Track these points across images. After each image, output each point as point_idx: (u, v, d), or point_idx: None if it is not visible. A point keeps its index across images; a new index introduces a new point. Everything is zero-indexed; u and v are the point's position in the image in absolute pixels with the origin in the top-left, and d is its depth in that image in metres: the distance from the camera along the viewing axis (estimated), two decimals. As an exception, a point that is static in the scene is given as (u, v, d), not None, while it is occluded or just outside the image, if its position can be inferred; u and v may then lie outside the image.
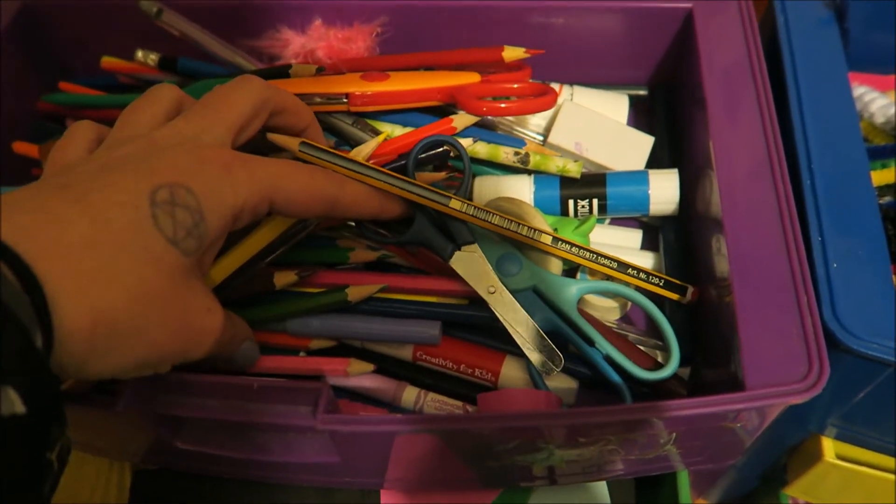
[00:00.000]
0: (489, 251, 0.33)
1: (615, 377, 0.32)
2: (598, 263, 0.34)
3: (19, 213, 0.21)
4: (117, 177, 0.23)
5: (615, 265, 0.34)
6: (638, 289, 0.34)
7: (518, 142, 0.39)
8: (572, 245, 0.33)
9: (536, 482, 0.35)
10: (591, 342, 0.33)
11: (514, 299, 0.32)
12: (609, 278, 0.35)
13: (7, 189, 0.24)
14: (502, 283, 0.32)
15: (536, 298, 0.33)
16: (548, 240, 0.33)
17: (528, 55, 0.40)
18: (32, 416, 0.17)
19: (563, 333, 0.33)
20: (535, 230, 0.33)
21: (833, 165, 0.34)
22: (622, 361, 0.32)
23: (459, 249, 0.32)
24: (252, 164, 0.26)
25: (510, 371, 0.34)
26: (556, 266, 0.34)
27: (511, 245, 0.34)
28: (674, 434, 0.30)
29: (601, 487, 0.37)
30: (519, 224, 0.33)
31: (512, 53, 0.39)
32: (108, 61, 0.44)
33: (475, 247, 0.32)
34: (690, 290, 0.34)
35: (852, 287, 0.30)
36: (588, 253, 0.34)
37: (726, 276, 0.31)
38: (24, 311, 0.18)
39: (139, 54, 0.42)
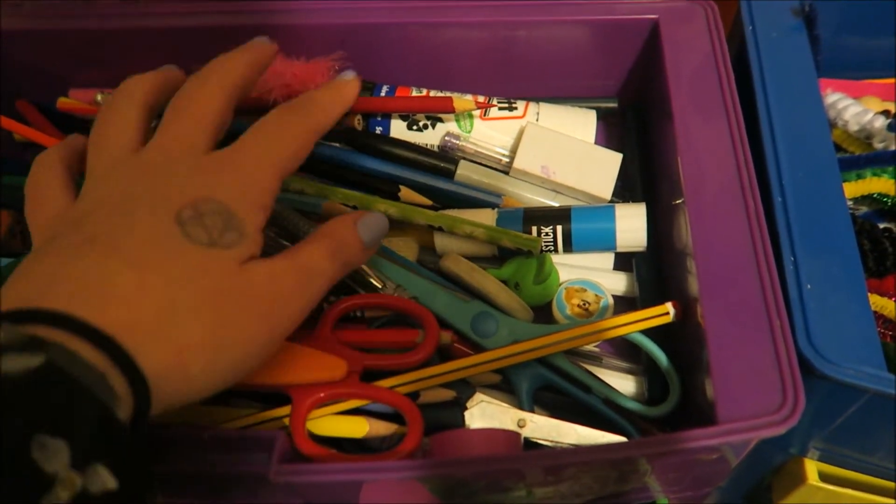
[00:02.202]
0: (461, 314, 0.32)
1: (620, 421, 0.31)
2: (590, 338, 0.32)
3: (65, 282, 0.21)
4: (135, 217, 0.23)
5: (608, 329, 0.32)
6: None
7: (495, 196, 0.39)
8: (574, 339, 0.32)
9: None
10: (586, 388, 0.32)
11: (547, 419, 0.31)
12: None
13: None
14: (482, 344, 0.32)
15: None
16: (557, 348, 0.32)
17: (476, 108, 0.39)
18: (125, 489, 0.18)
19: (557, 386, 0.32)
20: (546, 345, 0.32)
21: (805, 181, 0.33)
22: (625, 402, 0.32)
23: (466, 409, 0.31)
24: (247, 151, 0.25)
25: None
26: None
27: (483, 303, 0.33)
28: (649, 468, 0.29)
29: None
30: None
31: (461, 105, 0.39)
32: (64, 102, 0.43)
33: (477, 396, 0.32)
34: (671, 309, 0.32)
35: (827, 310, 0.29)
36: (587, 336, 0.32)
37: (697, 303, 0.30)
38: (103, 383, 0.19)
39: (98, 97, 0.41)
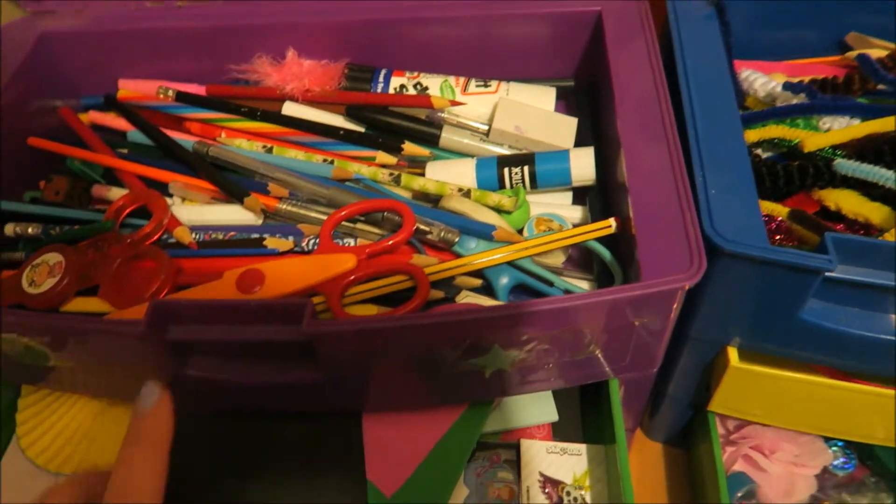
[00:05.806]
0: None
1: None
2: (551, 245, 0.42)
3: None
4: None
5: (564, 238, 0.42)
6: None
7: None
8: (537, 245, 0.42)
9: (491, 393, 0.42)
10: (549, 283, 0.41)
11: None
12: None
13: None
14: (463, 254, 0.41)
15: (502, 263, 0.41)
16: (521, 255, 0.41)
17: (451, 105, 0.49)
18: None
19: (527, 284, 0.41)
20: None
21: (713, 126, 0.42)
22: (580, 291, 0.40)
23: (453, 301, 0.40)
24: None
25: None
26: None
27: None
28: (593, 333, 0.37)
29: (549, 402, 0.44)
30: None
31: (438, 102, 0.48)
32: (124, 94, 0.52)
33: (463, 293, 0.40)
34: (613, 222, 0.41)
35: (726, 207, 0.38)
36: (542, 244, 0.42)
37: (630, 210, 0.38)
38: None
39: (159, 90, 0.50)
